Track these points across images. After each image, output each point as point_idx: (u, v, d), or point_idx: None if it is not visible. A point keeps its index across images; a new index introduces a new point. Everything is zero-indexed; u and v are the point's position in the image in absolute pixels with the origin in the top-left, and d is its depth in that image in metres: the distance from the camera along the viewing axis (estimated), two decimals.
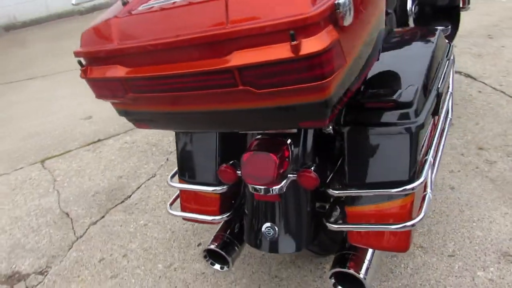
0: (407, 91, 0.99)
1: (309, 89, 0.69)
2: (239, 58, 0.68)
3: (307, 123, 0.82)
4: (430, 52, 1.17)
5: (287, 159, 1.06)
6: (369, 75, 1.10)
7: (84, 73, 0.89)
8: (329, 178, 1.08)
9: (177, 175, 1.32)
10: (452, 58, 1.45)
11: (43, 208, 2.02)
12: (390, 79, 1.08)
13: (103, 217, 1.89)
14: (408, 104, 0.96)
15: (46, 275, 1.63)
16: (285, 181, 1.05)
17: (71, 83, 3.71)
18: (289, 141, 1.07)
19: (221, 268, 1.29)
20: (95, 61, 0.87)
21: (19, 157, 2.58)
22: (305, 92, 0.70)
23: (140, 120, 0.96)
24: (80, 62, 0.88)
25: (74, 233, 1.82)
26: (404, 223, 0.93)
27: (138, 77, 0.81)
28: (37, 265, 1.68)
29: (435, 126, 1.20)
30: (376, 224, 0.97)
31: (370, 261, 1.07)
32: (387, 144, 0.97)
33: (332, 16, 0.67)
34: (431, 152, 1.05)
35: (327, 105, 0.74)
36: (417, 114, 0.96)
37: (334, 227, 1.03)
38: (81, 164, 2.37)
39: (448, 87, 1.40)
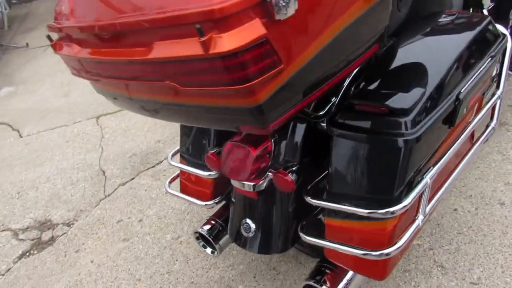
0: (409, 95, 0.80)
1: (233, 92, 0.57)
2: (157, 51, 0.59)
3: (247, 127, 0.70)
4: (461, 46, 0.93)
5: (268, 155, 0.96)
6: (374, 69, 0.93)
7: (54, 48, 0.86)
8: (314, 182, 0.95)
9: (178, 154, 1.28)
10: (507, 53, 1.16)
11: (85, 163, 2.16)
12: (397, 77, 0.89)
13: (132, 179, 1.96)
14: (403, 112, 0.77)
15: (71, 227, 1.75)
16: (263, 178, 0.95)
17: None
18: (276, 136, 0.96)
19: (212, 252, 1.25)
20: (60, 37, 0.84)
21: (81, 111, 2.77)
22: (231, 96, 0.59)
23: (110, 99, 0.92)
24: (49, 37, 0.86)
25: (104, 191, 1.92)
26: (378, 250, 0.78)
27: (86, 59, 0.76)
28: (66, 217, 1.82)
29: (455, 137, 0.98)
30: (350, 245, 0.83)
31: (349, 281, 0.94)
32: (374, 155, 0.81)
33: (263, 8, 0.54)
34: (434, 170, 0.86)
35: (262, 112, 0.61)
36: (414, 124, 0.77)
37: (307, 238, 0.92)
38: (129, 124, 2.47)
39: (498, 87, 1.13)
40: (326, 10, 0.65)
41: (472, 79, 0.95)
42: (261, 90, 0.58)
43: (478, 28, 1.03)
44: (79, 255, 1.60)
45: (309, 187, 0.93)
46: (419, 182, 0.85)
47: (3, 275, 1.59)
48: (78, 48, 0.77)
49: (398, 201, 0.78)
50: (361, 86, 0.89)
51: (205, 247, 1.26)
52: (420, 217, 0.83)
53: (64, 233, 1.72)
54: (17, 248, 1.70)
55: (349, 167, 0.84)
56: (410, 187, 0.81)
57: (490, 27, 1.06)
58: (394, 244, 0.78)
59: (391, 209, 0.76)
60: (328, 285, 0.92)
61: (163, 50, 0.58)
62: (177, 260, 1.49)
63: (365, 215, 0.78)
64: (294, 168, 0.92)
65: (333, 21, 0.67)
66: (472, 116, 1.09)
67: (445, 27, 1.07)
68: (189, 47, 0.54)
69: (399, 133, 0.77)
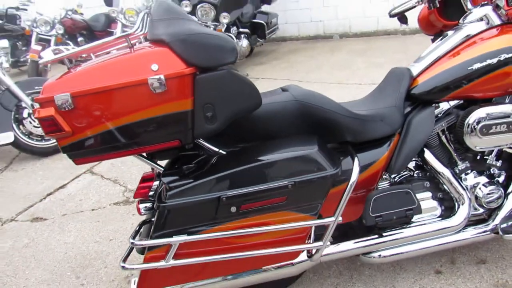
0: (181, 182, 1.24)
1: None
2: None
3: None
4: (269, 161, 1.23)
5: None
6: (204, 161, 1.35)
7: None
8: None
9: None
10: None
11: None
12: (198, 168, 1.30)
13: None
14: (167, 189, 1.23)
15: None
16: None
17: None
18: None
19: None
20: None
21: None
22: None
23: None
24: None
25: None
26: None
27: None
28: None
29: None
30: None
31: None
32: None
33: (54, 103, 1.13)
34: (185, 237, 1.23)
35: (65, 151, 1.20)
36: (170, 197, 1.24)
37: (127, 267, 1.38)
38: None
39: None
40: (105, 110, 1.18)
41: (249, 190, 1.22)
42: (60, 141, 1.18)
43: (297, 153, 1.26)
44: None
45: None
46: (170, 236, 1.24)
47: None
48: None
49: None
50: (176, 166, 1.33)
51: None
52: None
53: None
54: None
55: None
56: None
57: (313, 157, 1.25)
58: None
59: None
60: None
61: None
62: None
63: None
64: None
65: (119, 115, 1.19)
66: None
67: (279, 145, 1.34)
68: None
69: (161, 201, 1.22)
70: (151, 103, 1.18)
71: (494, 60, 1.46)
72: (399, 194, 1.47)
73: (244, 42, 5.72)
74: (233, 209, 1.26)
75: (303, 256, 1.46)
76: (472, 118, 1.49)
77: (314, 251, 1.45)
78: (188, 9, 4.73)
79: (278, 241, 1.35)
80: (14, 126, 3.60)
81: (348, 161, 1.42)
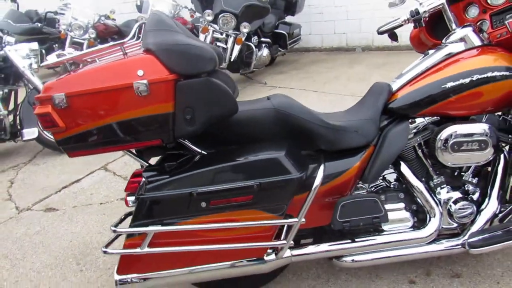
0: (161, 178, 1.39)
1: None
2: None
3: None
4: (237, 162, 1.45)
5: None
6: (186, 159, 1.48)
7: None
8: None
9: None
10: None
11: None
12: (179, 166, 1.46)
13: None
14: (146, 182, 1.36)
15: None
16: None
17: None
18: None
19: None
20: None
21: None
22: None
23: None
24: None
25: None
26: None
27: None
28: None
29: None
30: None
31: None
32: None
33: (51, 101, 1.29)
34: (159, 227, 1.35)
35: (60, 144, 1.35)
36: (149, 190, 1.36)
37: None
38: None
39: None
40: (95, 110, 1.32)
41: (218, 188, 1.34)
42: (55, 135, 1.33)
43: (265, 156, 1.36)
44: None
45: None
46: (146, 226, 1.37)
47: None
48: None
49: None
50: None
51: None
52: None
53: None
54: None
55: None
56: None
57: (279, 161, 1.35)
58: None
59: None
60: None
61: None
62: None
63: None
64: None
65: (107, 115, 1.33)
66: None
67: (253, 149, 1.46)
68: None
69: (140, 194, 1.36)
70: (136, 105, 1.32)
71: (467, 80, 1.52)
72: (367, 202, 1.54)
73: (264, 51, 5.86)
74: (203, 204, 1.38)
75: (273, 255, 1.55)
76: (444, 134, 1.55)
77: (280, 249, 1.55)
78: (210, 18, 4.90)
79: (246, 237, 1.46)
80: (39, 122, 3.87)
81: (316, 168, 1.51)
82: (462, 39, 1.66)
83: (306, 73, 6.02)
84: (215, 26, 5.00)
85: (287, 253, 1.58)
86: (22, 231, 2.69)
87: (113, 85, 1.31)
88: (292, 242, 1.51)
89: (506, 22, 1.56)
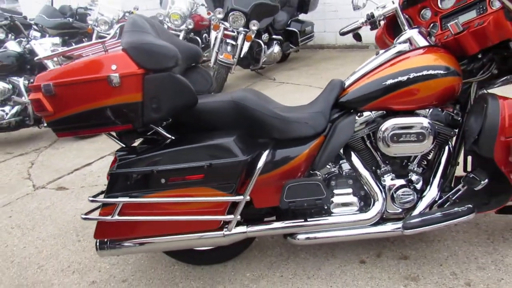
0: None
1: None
2: None
3: None
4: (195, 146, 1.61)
5: None
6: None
7: None
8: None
9: None
10: None
11: None
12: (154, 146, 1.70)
13: None
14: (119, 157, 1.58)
15: None
16: None
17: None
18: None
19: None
20: None
21: None
22: None
23: None
24: None
25: None
26: None
27: None
28: None
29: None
30: None
31: None
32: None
33: (41, 89, 1.55)
34: (128, 198, 1.59)
35: (50, 126, 1.61)
36: (120, 167, 1.57)
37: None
38: None
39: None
40: (77, 97, 1.58)
41: (174, 167, 1.57)
42: (45, 118, 1.59)
43: (215, 142, 1.59)
44: None
45: None
46: (116, 197, 1.63)
47: None
48: None
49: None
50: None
51: None
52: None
53: None
54: None
55: None
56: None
57: (227, 146, 1.58)
58: None
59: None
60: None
61: None
62: None
63: None
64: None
65: (86, 102, 1.58)
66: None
67: (209, 135, 1.69)
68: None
69: (113, 169, 1.63)
70: (110, 95, 1.57)
71: (404, 78, 1.68)
72: (310, 185, 1.74)
73: (275, 48, 6.04)
74: (163, 180, 1.62)
75: (235, 230, 1.78)
76: (385, 126, 1.73)
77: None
78: (221, 16, 5.13)
79: (201, 211, 1.69)
80: None
81: (262, 153, 1.71)
82: (407, 40, 1.82)
83: (316, 70, 6.17)
84: (226, 23, 5.23)
85: (243, 228, 1.80)
86: (34, 205, 3.03)
87: (91, 77, 1.56)
88: (239, 217, 1.73)
89: (448, 25, 1.70)
